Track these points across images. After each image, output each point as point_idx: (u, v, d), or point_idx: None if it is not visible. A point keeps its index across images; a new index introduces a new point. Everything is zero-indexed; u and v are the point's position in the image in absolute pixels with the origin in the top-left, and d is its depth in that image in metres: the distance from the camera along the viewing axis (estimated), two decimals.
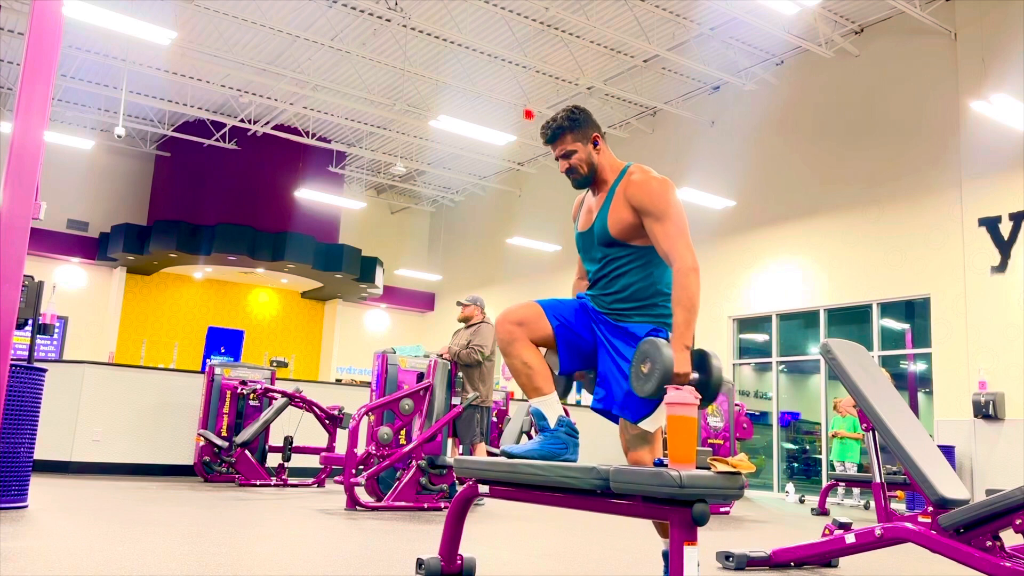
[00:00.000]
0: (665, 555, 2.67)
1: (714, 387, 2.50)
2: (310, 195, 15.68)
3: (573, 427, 2.66)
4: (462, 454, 6.67)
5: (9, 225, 3.88)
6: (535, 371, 2.65)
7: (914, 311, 10.81)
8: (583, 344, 2.71)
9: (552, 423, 2.63)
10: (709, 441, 7.71)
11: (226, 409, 7.87)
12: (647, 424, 2.59)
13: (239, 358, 17.65)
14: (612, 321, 2.69)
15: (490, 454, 7.05)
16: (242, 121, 15.44)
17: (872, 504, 8.31)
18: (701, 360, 2.52)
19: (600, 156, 2.74)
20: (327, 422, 7.71)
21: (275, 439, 8.01)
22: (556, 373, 2.78)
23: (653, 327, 2.64)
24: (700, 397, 2.47)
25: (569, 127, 2.72)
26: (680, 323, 2.49)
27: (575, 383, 2.92)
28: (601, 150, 2.75)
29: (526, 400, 6.77)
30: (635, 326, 2.65)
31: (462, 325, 6.84)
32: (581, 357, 2.73)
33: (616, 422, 2.68)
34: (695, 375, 2.48)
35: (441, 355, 6.51)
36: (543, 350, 2.75)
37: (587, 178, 2.75)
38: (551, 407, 2.65)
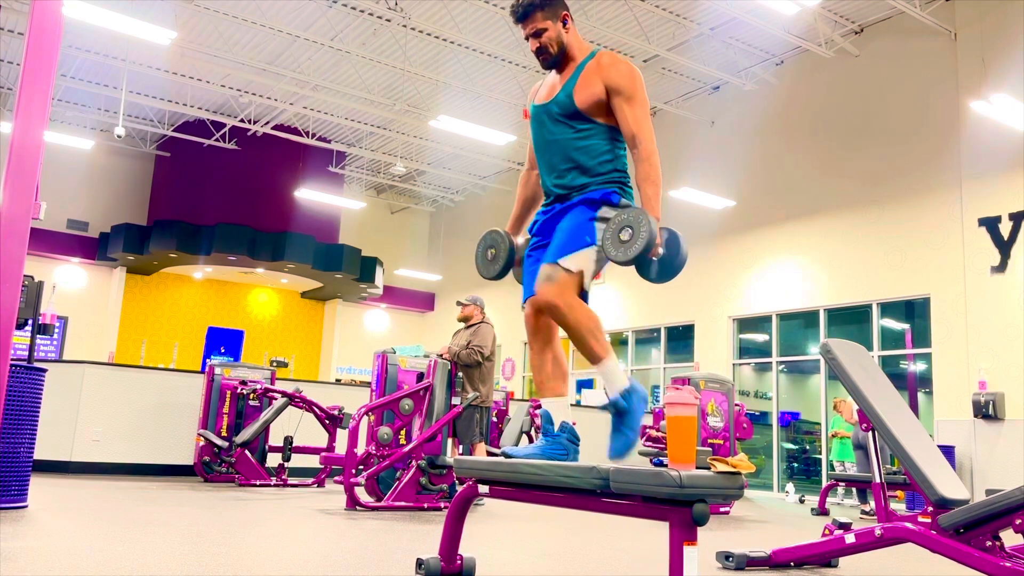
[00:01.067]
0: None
1: (679, 263, 2.59)
2: (310, 195, 15.68)
3: (575, 434, 2.66)
4: (462, 454, 6.67)
5: (9, 225, 3.88)
6: (551, 369, 2.69)
7: (914, 311, 10.81)
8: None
9: (556, 427, 2.64)
10: (709, 441, 7.70)
11: (226, 409, 7.87)
12: (568, 262, 2.59)
13: (239, 358, 17.65)
14: (561, 206, 2.72)
15: (490, 454, 7.04)
16: (242, 121, 15.44)
17: (872, 506, 8.31)
18: (670, 237, 2.60)
19: (569, 35, 2.76)
20: (327, 422, 7.71)
21: (275, 439, 8.01)
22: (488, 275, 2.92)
23: (613, 189, 2.67)
24: (667, 271, 2.60)
25: (540, 4, 2.73)
26: (651, 196, 2.56)
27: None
28: (570, 29, 2.77)
29: (527, 400, 6.79)
30: (592, 192, 2.67)
31: (462, 325, 6.84)
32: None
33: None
34: (662, 250, 2.56)
35: (441, 355, 6.51)
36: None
37: (556, 58, 2.76)
38: (559, 410, 2.65)
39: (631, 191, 2.72)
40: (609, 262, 2.63)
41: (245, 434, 7.41)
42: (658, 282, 2.67)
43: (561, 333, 2.74)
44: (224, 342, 18.01)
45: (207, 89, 14.33)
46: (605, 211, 2.62)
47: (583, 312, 2.56)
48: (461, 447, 6.68)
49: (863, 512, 8.21)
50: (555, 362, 2.68)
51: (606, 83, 2.65)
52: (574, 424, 2.71)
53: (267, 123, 15.59)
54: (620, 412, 2.59)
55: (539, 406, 2.76)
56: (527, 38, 2.79)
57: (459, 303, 6.86)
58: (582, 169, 2.68)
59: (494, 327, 6.83)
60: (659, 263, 2.59)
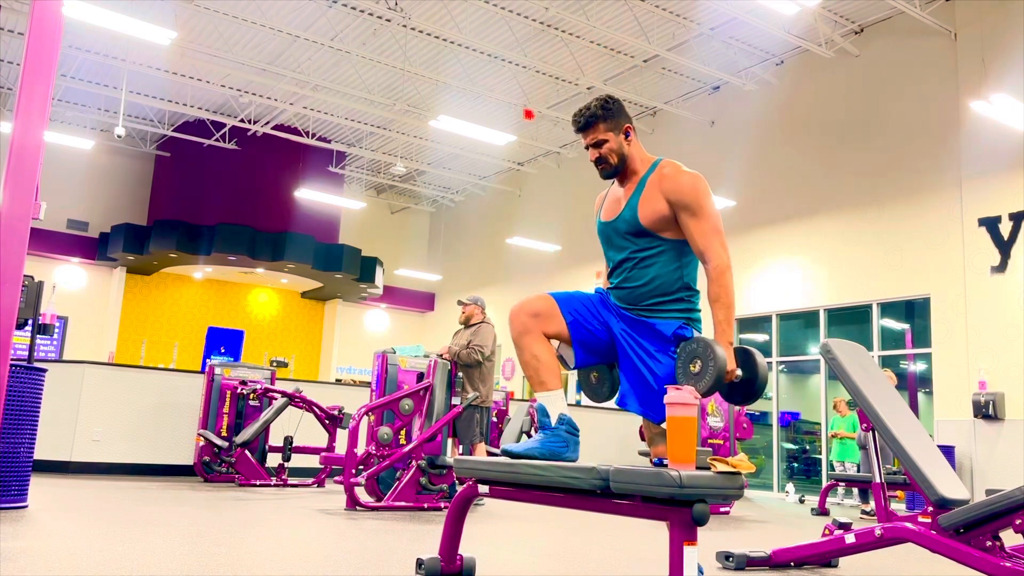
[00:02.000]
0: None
1: (760, 385, 2.53)
2: (310, 195, 15.68)
3: (574, 425, 2.65)
4: (462, 454, 6.67)
5: (9, 225, 3.88)
6: (543, 365, 2.64)
7: (914, 311, 10.81)
8: (598, 339, 2.70)
9: (553, 420, 2.63)
10: (709, 441, 7.70)
11: (226, 409, 7.86)
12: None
13: (239, 358, 17.65)
14: (632, 316, 2.68)
15: (490, 454, 7.05)
16: (242, 121, 15.44)
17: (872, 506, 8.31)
18: (746, 358, 2.55)
19: (630, 147, 2.73)
20: (327, 422, 7.71)
21: (275, 439, 8.01)
22: (570, 368, 2.78)
23: (680, 322, 2.64)
24: (749, 394, 2.54)
25: (603, 116, 2.70)
26: (722, 320, 2.53)
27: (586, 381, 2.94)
28: (632, 141, 2.74)
29: (527, 400, 6.79)
30: (661, 322, 2.64)
31: (462, 325, 6.84)
32: (595, 352, 2.72)
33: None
34: (739, 372, 2.51)
35: (441, 355, 6.51)
36: (555, 343, 2.74)
37: (616, 168, 2.73)
38: (555, 403, 2.65)
39: (699, 315, 2.70)
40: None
41: (245, 434, 7.41)
42: (744, 404, 2.66)
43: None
44: (224, 342, 18.01)
45: (207, 89, 14.33)
46: (687, 343, 2.61)
47: (530, 348, 2.66)
48: (461, 447, 6.68)
49: (863, 512, 8.21)
50: (544, 359, 2.67)
51: (668, 198, 2.62)
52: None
53: (267, 123, 15.59)
54: (543, 426, 2.65)
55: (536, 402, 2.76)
56: (587, 147, 2.76)
57: (460, 303, 6.86)
58: (651, 290, 2.67)
59: (495, 327, 6.84)
60: (741, 385, 2.55)
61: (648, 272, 2.67)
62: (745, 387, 2.55)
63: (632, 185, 2.72)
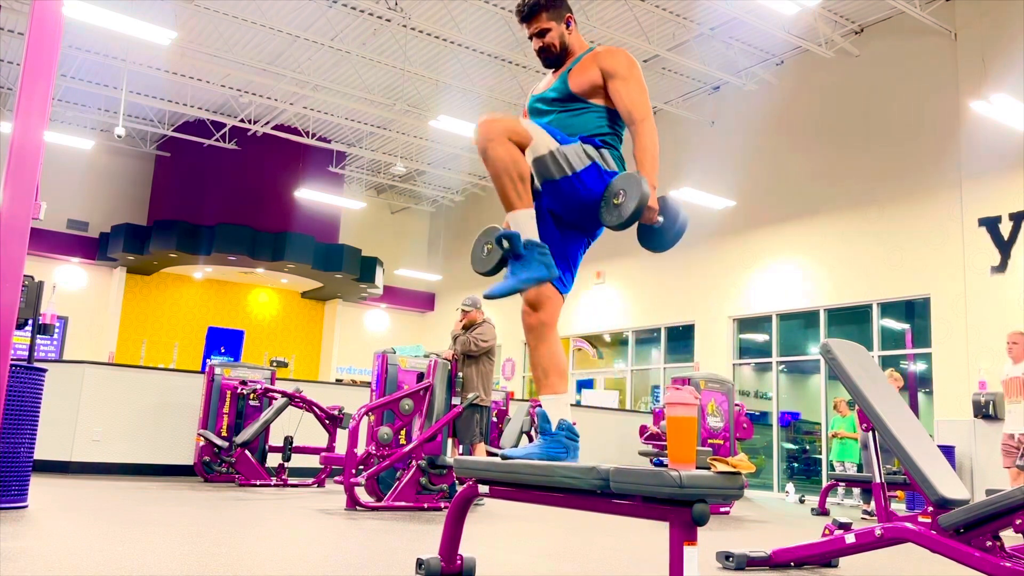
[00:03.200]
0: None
1: (677, 231, 2.58)
2: (310, 195, 15.68)
3: (573, 431, 2.65)
4: (462, 454, 6.67)
5: (9, 225, 3.88)
6: (554, 366, 2.66)
7: (914, 311, 10.81)
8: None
9: (553, 426, 2.63)
10: (709, 441, 7.70)
11: (226, 409, 7.86)
12: (528, 123, 2.59)
13: (239, 358, 17.65)
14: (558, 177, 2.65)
15: (490, 454, 7.04)
16: (242, 121, 15.44)
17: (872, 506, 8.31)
18: (666, 205, 2.59)
19: (571, 36, 2.80)
20: (327, 422, 7.71)
21: (275, 439, 8.01)
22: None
23: (594, 136, 2.65)
24: (665, 240, 2.59)
25: (544, 5, 2.77)
26: (647, 164, 2.55)
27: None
28: (573, 31, 2.81)
29: (527, 400, 6.79)
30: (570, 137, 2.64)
31: (462, 331, 6.84)
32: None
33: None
34: (660, 218, 2.56)
35: (445, 358, 6.53)
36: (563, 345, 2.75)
37: (558, 57, 2.80)
38: (558, 408, 2.64)
39: (619, 156, 2.69)
40: (604, 231, 2.66)
41: (245, 434, 7.41)
42: (660, 250, 2.67)
43: (566, 333, 2.72)
44: (224, 342, 18.01)
45: (207, 89, 14.33)
46: (587, 146, 2.60)
47: (507, 151, 2.47)
48: (461, 447, 6.68)
49: (864, 512, 8.21)
50: (552, 360, 2.67)
51: (602, 67, 2.68)
52: (574, 423, 2.71)
53: (267, 123, 15.59)
54: (515, 254, 2.53)
55: (539, 405, 2.75)
56: (531, 37, 2.82)
57: (460, 309, 6.86)
58: (568, 133, 2.67)
59: (495, 326, 6.86)
60: (659, 230, 2.60)
61: (573, 124, 2.68)
62: (661, 233, 2.59)
63: (566, 65, 2.78)
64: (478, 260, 2.82)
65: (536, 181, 2.61)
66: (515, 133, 2.50)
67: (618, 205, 2.47)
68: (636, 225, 2.57)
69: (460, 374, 6.62)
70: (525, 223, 2.54)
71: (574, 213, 2.66)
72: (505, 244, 2.53)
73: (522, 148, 2.52)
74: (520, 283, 2.50)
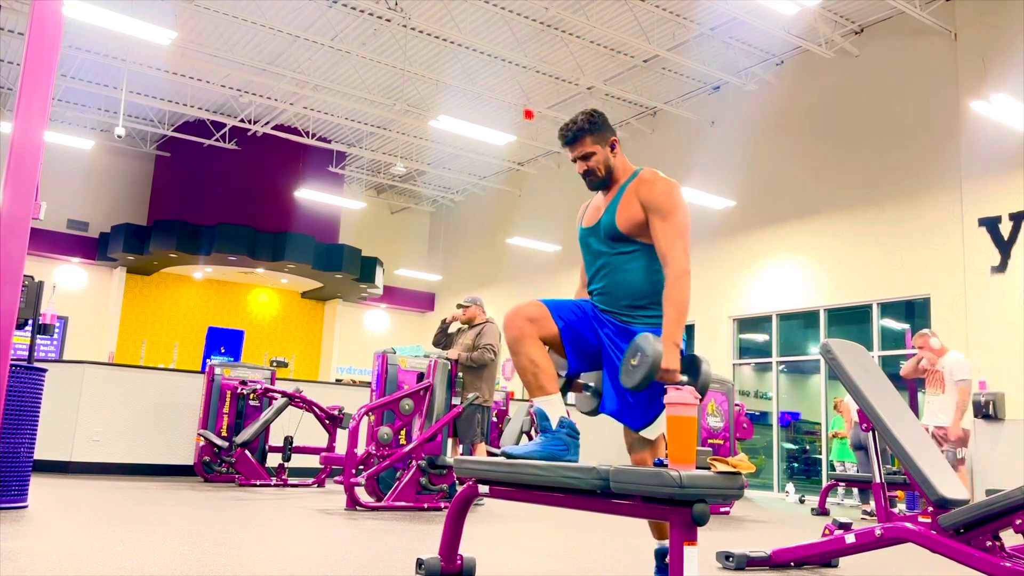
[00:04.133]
0: (657, 553, 2.68)
1: (699, 391, 2.54)
2: (310, 195, 15.68)
3: (574, 428, 2.65)
4: (462, 454, 6.67)
5: (9, 225, 3.88)
6: (541, 370, 2.65)
7: (914, 311, 10.81)
8: (588, 345, 2.72)
9: (554, 424, 2.63)
10: (709, 441, 7.70)
11: (226, 409, 7.86)
12: (648, 432, 2.63)
13: (239, 358, 17.65)
14: (617, 322, 2.70)
15: (490, 454, 7.04)
16: (242, 121, 15.44)
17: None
18: (690, 362, 2.56)
19: (616, 159, 2.79)
20: (327, 422, 7.71)
21: (275, 439, 8.01)
22: (563, 374, 2.79)
23: (659, 330, 2.63)
24: None
25: (589, 129, 2.76)
26: (670, 321, 2.54)
27: (568, 392, 2.93)
28: (617, 153, 2.80)
29: (527, 400, 6.80)
30: (640, 328, 2.66)
31: (464, 327, 6.82)
32: (586, 358, 2.74)
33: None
34: (683, 377, 2.51)
35: (449, 358, 6.51)
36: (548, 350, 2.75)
37: (603, 180, 2.79)
38: (554, 407, 2.65)
39: None
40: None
41: (245, 434, 7.41)
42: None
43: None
44: (224, 342, 18.01)
45: (207, 89, 14.33)
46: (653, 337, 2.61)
47: (527, 353, 2.64)
48: (462, 447, 6.68)
49: (864, 512, 8.21)
50: (542, 364, 2.67)
51: (642, 201, 2.67)
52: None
53: (267, 123, 15.59)
54: (543, 429, 2.66)
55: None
56: (574, 160, 2.81)
57: (460, 306, 6.85)
58: (630, 293, 2.70)
59: (497, 325, 6.83)
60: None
61: (625, 276, 2.71)
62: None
63: (612, 193, 2.77)
64: (580, 401, 2.90)
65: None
66: (543, 330, 2.65)
67: (633, 368, 2.47)
68: None
69: (460, 374, 6.62)
70: (549, 407, 2.63)
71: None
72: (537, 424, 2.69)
73: (548, 341, 2.66)
74: (539, 455, 2.60)
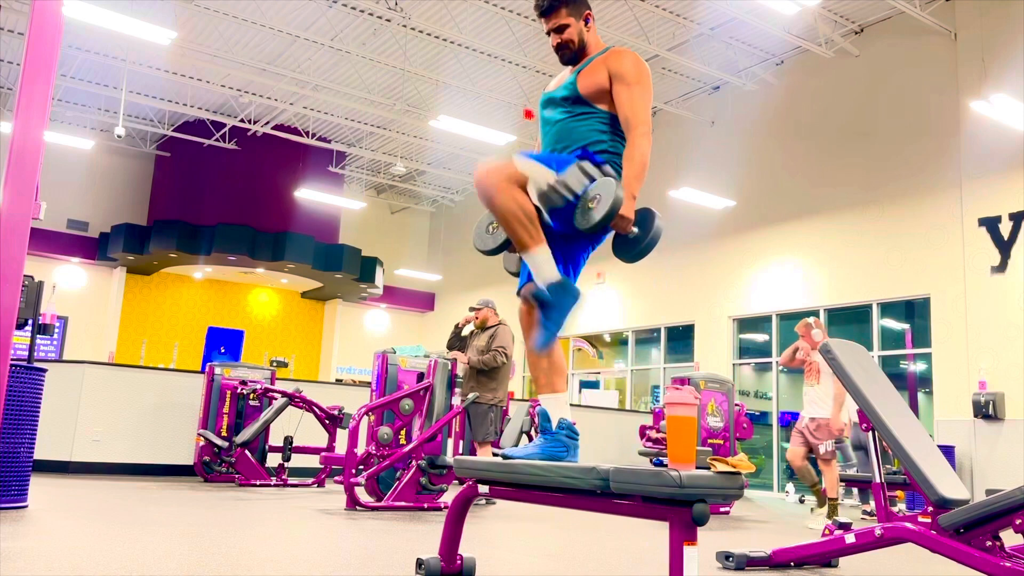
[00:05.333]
0: (541, 415, 2.70)
1: (648, 243, 2.56)
2: (310, 195, 15.68)
3: (574, 430, 2.65)
4: (473, 453, 6.67)
5: (9, 225, 3.88)
6: (554, 366, 2.66)
7: (914, 311, 10.81)
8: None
9: (554, 425, 2.63)
10: (709, 441, 7.70)
11: (226, 409, 7.86)
12: (521, 160, 2.59)
13: (239, 358, 17.65)
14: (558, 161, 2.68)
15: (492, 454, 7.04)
16: (242, 121, 15.45)
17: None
18: (644, 217, 2.57)
19: (589, 34, 2.80)
20: (327, 422, 7.71)
21: (275, 439, 8.01)
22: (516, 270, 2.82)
23: (593, 153, 2.64)
24: (636, 250, 2.58)
25: (564, 0, 2.76)
26: (631, 176, 2.54)
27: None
28: (591, 28, 2.81)
29: (528, 400, 6.79)
30: (568, 155, 2.65)
31: (478, 330, 6.82)
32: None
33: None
34: (635, 229, 2.54)
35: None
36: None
37: (575, 54, 2.80)
38: (558, 407, 2.64)
39: (617, 165, 2.70)
40: (592, 236, 2.65)
41: (245, 434, 7.41)
42: (627, 262, 2.66)
43: (569, 334, 2.72)
44: (224, 342, 18.01)
45: (207, 89, 14.33)
46: (586, 164, 2.60)
47: (513, 197, 2.50)
48: (479, 446, 6.66)
49: (864, 512, 8.21)
50: (551, 359, 2.67)
51: (610, 70, 2.68)
52: (573, 423, 2.71)
53: (267, 123, 15.59)
54: (543, 304, 2.56)
55: (539, 404, 2.75)
56: (548, 32, 2.82)
57: (472, 309, 6.85)
58: (572, 140, 2.70)
59: (511, 327, 6.81)
60: (632, 242, 2.59)
61: (576, 131, 2.70)
62: (634, 243, 2.58)
63: (580, 63, 2.79)
64: (481, 238, 2.82)
65: (544, 214, 2.61)
66: (515, 177, 2.54)
67: (590, 209, 2.47)
68: (613, 235, 2.59)
69: (460, 375, 6.63)
70: (543, 263, 2.56)
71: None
72: (534, 302, 2.61)
73: (524, 187, 2.55)
74: (559, 327, 2.54)
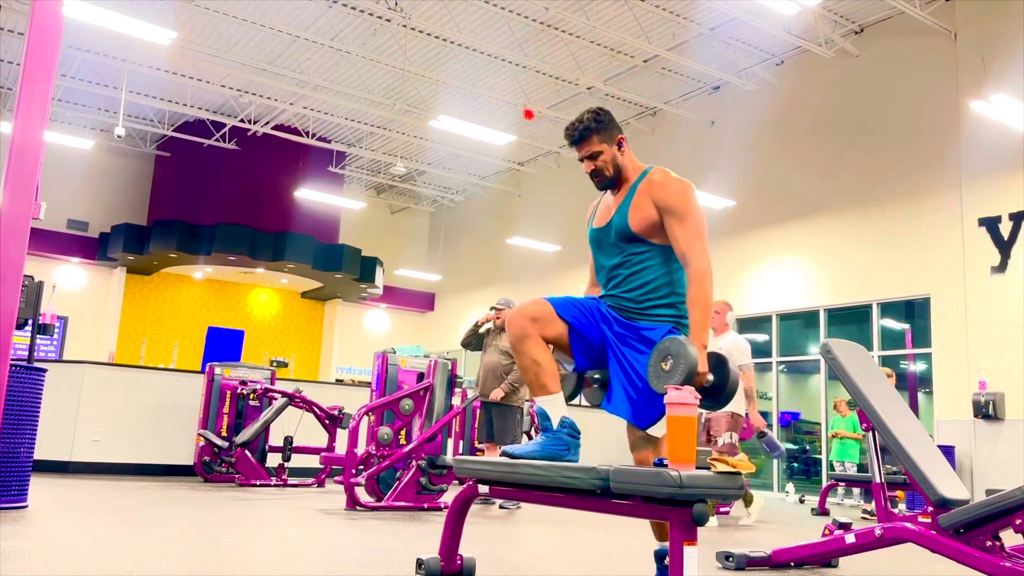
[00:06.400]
0: (656, 555, 2.68)
1: (729, 391, 2.54)
2: (310, 195, 15.69)
3: (575, 427, 2.65)
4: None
5: (9, 225, 3.88)
6: (544, 369, 2.64)
7: (914, 311, 10.81)
8: (593, 343, 2.71)
9: (555, 423, 2.63)
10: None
11: (226, 409, 7.86)
12: (654, 430, 2.61)
13: (239, 358, 17.64)
14: (624, 319, 2.68)
15: None
16: (242, 121, 15.45)
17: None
18: (718, 363, 2.55)
19: (623, 157, 2.76)
20: (327, 422, 7.71)
21: (275, 439, 8.01)
22: (569, 371, 2.78)
23: (670, 327, 2.63)
24: (717, 400, 2.55)
25: (596, 128, 2.72)
26: (697, 323, 2.53)
27: (582, 388, 2.90)
28: (625, 151, 2.77)
29: (528, 400, 6.80)
30: (650, 325, 2.65)
31: (496, 330, 6.82)
32: (591, 356, 2.73)
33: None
34: (711, 377, 2.50)
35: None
36: (551, 348, 2.74)
37: (612, 179, 2.76)
38: (555, 407, 2.64)
39: (687, 322, 2.67)
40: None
41: (245, 434, 7.41)
42: (712, 410, 2.67)
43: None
44: (224, 342, 18.01)
45: (207, 89, 14.33)
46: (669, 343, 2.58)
47: (531, 359, 2.63)
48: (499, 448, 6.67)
49: (864, 512, 8.21)
50: (544, 363, 2.67)
51: (656, 203, 2.65)
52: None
53: (267, 123, 15.59)
54: (544, 428, 2.66)
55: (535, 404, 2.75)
56: (581, 160, 2.78)
57: (493, 308, 6.84)
58: (642, 294, 2.69)
59: None
60: (711, 390, 2.56)
61: (639, 277, 2.68)
62: (714, 392, 2.56)
63: (623, 192, 2.74)
64: (657, 375, 2.82)
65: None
66: (547, 329, 2.64)
67: (667, 373, 2.45)
68: None
69: (459, 375, 6.64)
70: (552, 409, 2.63)
71: None
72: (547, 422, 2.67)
73: (553, 340, 2.65)
74: (539, 454, 2.60)
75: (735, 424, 6.01)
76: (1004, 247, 9.54)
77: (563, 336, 2.68)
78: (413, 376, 6.79)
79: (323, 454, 6.41)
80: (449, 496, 6.15)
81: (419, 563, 2.89)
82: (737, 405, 6.00)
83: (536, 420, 2.72)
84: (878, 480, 4.04)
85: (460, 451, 8.18)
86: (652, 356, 2.52)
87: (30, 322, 4.77)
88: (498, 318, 6.78)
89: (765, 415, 12.15)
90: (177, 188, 16.99)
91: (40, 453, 5.18)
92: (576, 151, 2.78)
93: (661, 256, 2.68)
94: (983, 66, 9.96)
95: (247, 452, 7.44)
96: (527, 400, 6.70)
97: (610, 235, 2.74)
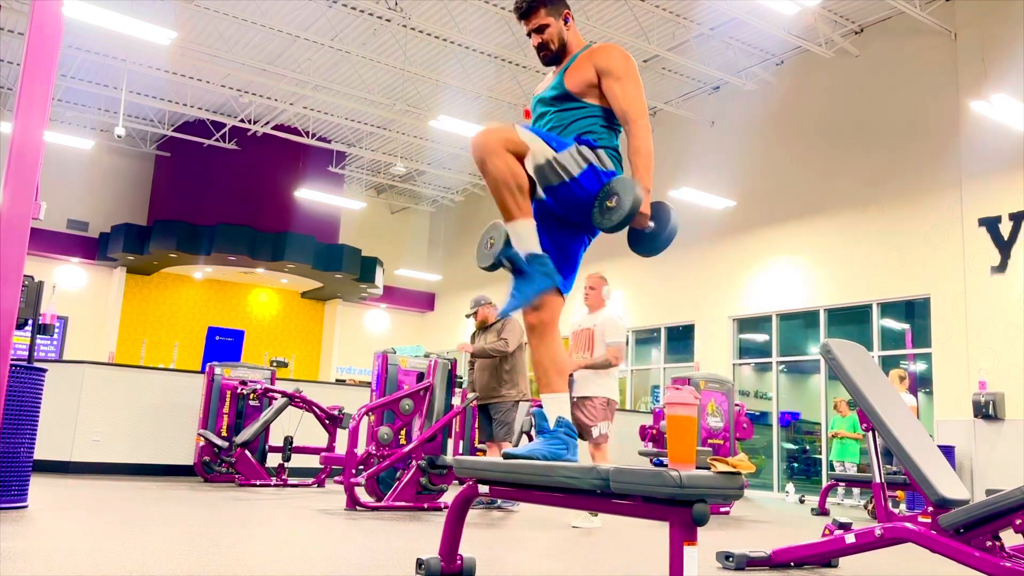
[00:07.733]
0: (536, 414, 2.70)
1: (666, 238, 2.58)
2: (310, 195, 15.69)
3: (571, 427, 2.65)
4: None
5: (9, 225, 3.88)
6: (555, 366, 2.66)
7: (914, 311, 10.81)
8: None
9: (551, 424, 2.63)
10: (709, 441, 7.70)
11: (226, 409, 7.86)
12: (522, 130, 2.57)
13: (239, 358, 17.64)
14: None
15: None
16: (242, 121, 15.45)
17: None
18: (659, 210, 2.59)
19: (569, 33, 2.81)
20: (327, 422, 7.71)
21: (275, 439, 8.01)
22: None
23: (587, 137, 2.63)
24: (652, 246, 2.60)
25: (543, 1, 2.77)
26: (641, 168, 2.57)
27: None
28: (571, 27, 2.82)
29: (529, 400, 6.79)
30: (566, 139, 2.64)
31: (477, 329, 6.79)
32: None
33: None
34: (651, 224, 2.56)
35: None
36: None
37: (557, 55, 2.81)
38: (557, 406, 2.64)
39: (616, 155, 2.69)
40: (600, 233, 2.66)
41: (245, 434, 7.41)
42: (648, 255, 2.67)
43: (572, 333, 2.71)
44: (224, 342, 18.01)
45: (207, 89, 14.33)
46: (584, 148, 2.59)
47: (506, 162, 2.47)
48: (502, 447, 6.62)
49: (866, 511, 8.21)
50: (552, 359, 2.67)
51: (596, 66, 2.70)
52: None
53: (267, 123, 15.59)
54: (516, 270, 2.56)
55: (539, 405, 2.75)
56: (529, 34, 2.83)
57: (472, 310, 6.79)
58: (561, 131, 2.70)
59: (519, 322, 6.77)
60: (648, 235, 2.61)
61: (569, 124, 2.71)
62: (651, 239, 2.60)
63: (565, 62, 2.80)
64: (482, 255, 2.82)
65: (538, 188, 2.60)
66: (512, 143, 2.51)
67: (611, 208, 2.48)
68: (627, 229, 2.60)
69: (459, 375, 6.62)
70: (525, 234, 2.55)
71: (574, 214, 2.67)
72: (507, 264, 2.60)
73: (520, 157, 2.52)
74: (526, 299, 2.55)
75: (610, 412, 5.45)
76: (1004, 247, 9.54)
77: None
78: (413, 376, 6.79)
79: (323, 454, 6.41)
80: (449, 496, 6.14)
81: (419, 563, 2.89)
82: (612, 391, 5.53)
83: (534, 421, 2.72)
84: (878, 480, 4.04)
85: (460, 451, 8.18)
86: (598, 196, 2.54)
87: (30, 322, 4.77)
88: (476, 321, 6.72)
89: (765, 415, 12.16)
90: (177, 188, 16.99)
91: (40, 453, 5.17)
92: (524, 24, 2.82)
93: (596, 113, 2.70)
94: (983, 66, 9.97)
95: (247, 452, 7.44)
96: (523, 393, 6.66)
97: (546, 96, 2.79)
